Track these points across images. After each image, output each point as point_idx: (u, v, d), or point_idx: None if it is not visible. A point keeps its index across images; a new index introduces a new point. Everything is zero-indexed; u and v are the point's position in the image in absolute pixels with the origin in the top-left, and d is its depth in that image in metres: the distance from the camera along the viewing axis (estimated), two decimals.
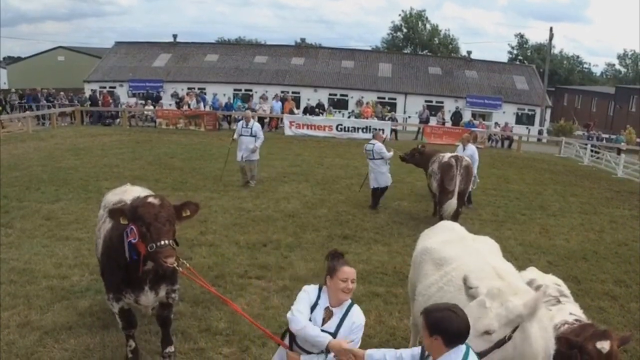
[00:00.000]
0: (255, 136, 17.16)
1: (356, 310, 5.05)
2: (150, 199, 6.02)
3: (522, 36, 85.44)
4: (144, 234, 5.77)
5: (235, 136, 17.72)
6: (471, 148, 16.24)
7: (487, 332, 4.41)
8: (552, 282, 6.08)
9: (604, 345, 4.91)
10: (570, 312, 5.51)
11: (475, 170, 15.90)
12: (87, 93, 38.12)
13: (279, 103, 37.29)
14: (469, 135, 17.68)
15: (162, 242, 5.69)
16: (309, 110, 36.74)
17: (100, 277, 7.12)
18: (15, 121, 31.58)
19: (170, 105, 38.81)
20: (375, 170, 15.41)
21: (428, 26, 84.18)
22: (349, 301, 5.04)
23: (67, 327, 7.88)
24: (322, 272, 10.55)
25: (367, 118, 35.74)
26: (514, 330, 4.54)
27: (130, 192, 7.36)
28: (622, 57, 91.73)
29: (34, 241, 11.49)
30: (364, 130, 32.55)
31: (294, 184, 17.55)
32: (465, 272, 5.40)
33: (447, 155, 14.39)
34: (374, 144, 15.44)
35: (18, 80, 53.25)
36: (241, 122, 18.26)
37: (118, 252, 6.25)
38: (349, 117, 36.26)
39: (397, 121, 37.64)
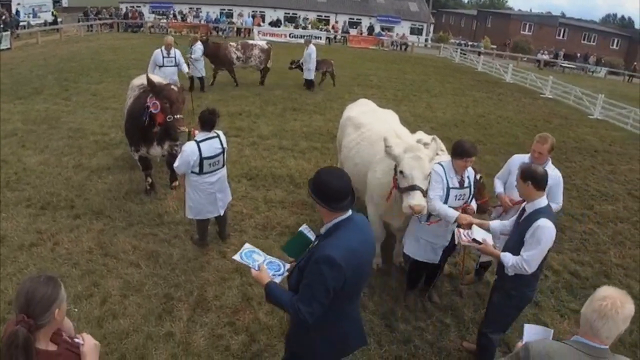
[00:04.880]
0: (178, 65, 10.26)
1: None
2: (172, 86, 6.06)
3: None
4: (165, 108, 5.80)
5: (150, 70, 9.72)
6: (311, 47, 14.69)
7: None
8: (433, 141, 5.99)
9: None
10: (444, 160, 5.47)
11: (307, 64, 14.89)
12: (123, 10, 35.16)
13: (250, 19, 35.28)
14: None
15: (179, 116, 5.82)
16: (273, 24, 34.73)
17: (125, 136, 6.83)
18: (72, 29, 29.20)
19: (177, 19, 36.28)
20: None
21: None
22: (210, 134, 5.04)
23: (106, 167, 7.72)
24: (279, 132, 10.48)
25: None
26: None
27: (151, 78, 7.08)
28: None
29: (85, 110, 11.15)
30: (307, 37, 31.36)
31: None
32: (375, 133, 5.31)
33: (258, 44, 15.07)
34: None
35: (75, 0, 48.49)
36: (158, 50, 10.07)
37: (137, 120, 6.15)
38: (296, 28, 34.75)
39: (332, 31, 36.08)
